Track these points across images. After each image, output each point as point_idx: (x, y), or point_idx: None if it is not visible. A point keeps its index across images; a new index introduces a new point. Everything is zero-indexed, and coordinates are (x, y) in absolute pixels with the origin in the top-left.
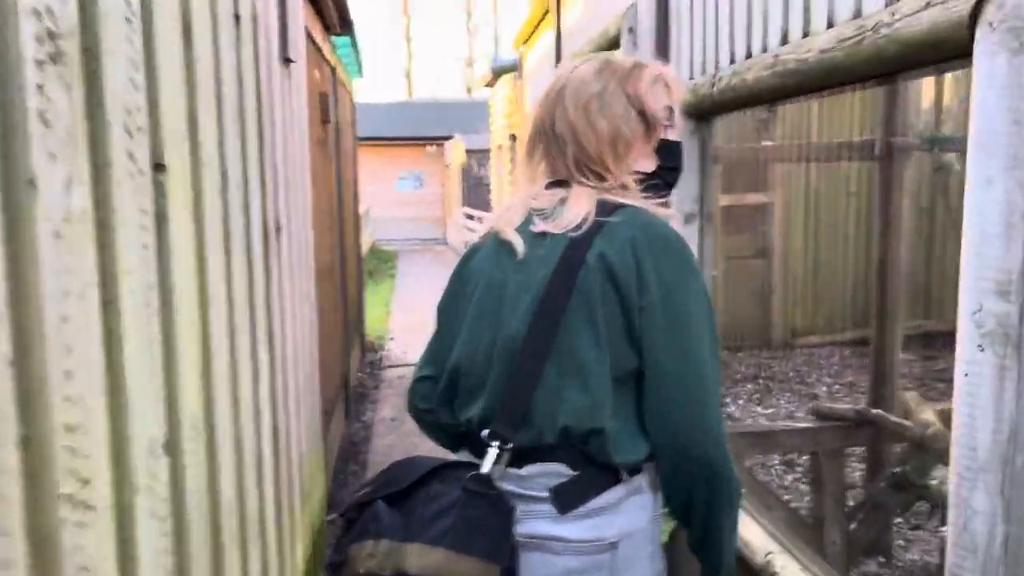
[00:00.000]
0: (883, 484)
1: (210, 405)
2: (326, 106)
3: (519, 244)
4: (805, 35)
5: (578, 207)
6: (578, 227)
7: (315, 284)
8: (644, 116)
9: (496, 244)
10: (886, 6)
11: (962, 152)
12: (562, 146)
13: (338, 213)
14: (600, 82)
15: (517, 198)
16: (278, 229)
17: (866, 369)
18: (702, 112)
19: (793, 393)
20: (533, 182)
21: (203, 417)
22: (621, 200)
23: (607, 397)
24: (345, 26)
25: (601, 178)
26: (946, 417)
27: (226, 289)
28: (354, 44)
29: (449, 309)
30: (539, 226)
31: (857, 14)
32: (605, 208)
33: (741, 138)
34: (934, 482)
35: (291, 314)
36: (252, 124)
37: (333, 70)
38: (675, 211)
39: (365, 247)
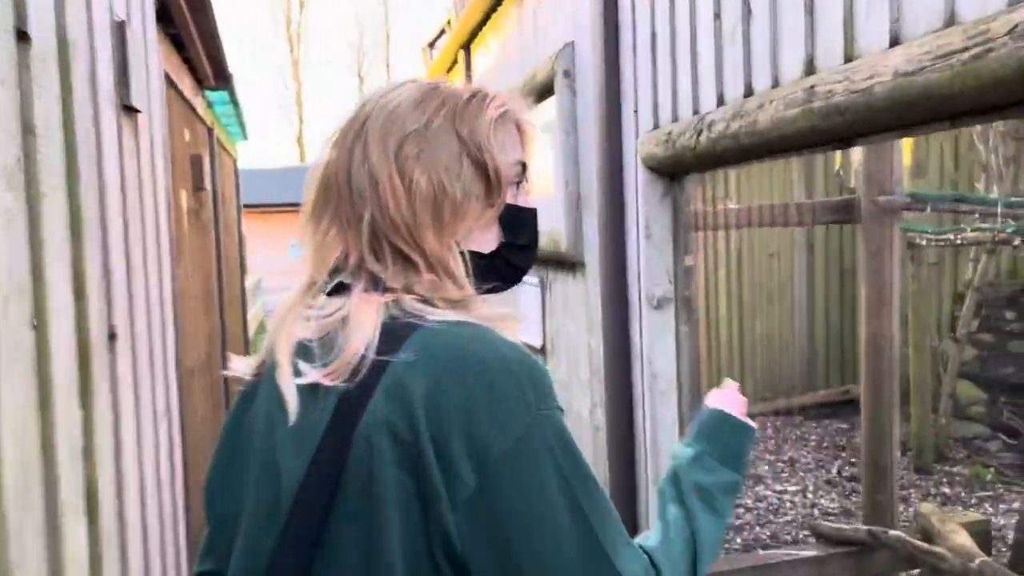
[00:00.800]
0: None
1: None
2: (200, 171)
3: (292, 402)
4: (848, 59)
5: (357, 337)
6: (354, 374)
7: (183, 386)
8: (485, 170)
9: (273, 390)
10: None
11: (956, 211)
12: (357, 208)
13: (217, 292)
14: (421, 115)
15: (295, 299)
16: (112, 336)
17: (802, 442)
18: (678, 169)
19: None
20: (321, 266)
21: None
22: (421, 313)
23: None
24: (222, 79)
25: (408, 262)
26: (977, 533)
27: None
28: (234, 101)
29: (220, 490)
30: (308, 375)
31: (951, 21)
32: (394, 333)
33: None
34: None
35: (135, 445)
36: (56, 194)
37: (210, 130)
38: (510, 311)
39: (254, 323)
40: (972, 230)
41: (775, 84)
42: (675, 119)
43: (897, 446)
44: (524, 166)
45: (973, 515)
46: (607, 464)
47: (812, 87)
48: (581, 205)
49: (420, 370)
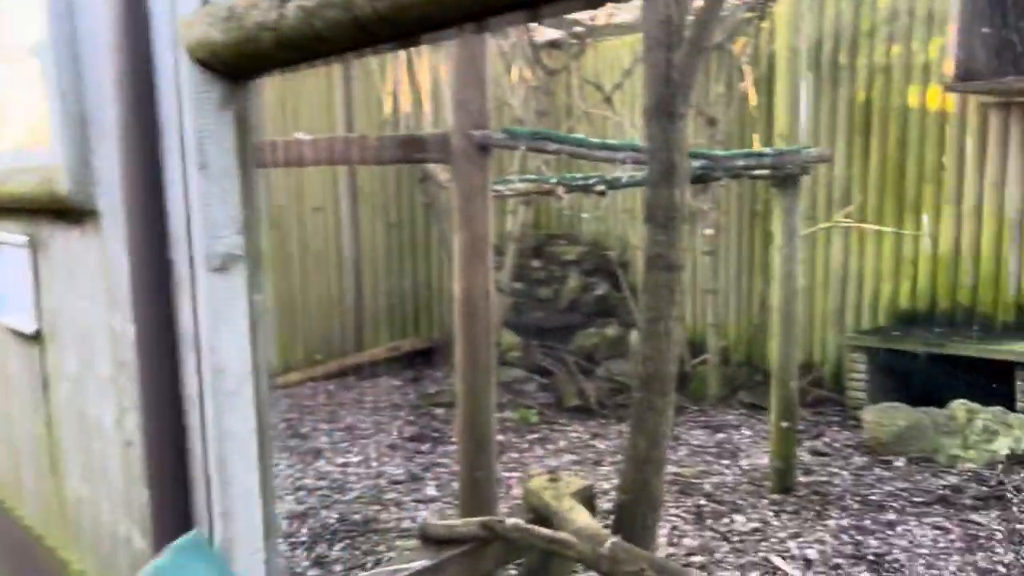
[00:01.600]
0: None
1: None
2: None
3: None
4: None
5: None
6: None
7: None
8: None
9: None
10: None
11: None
12: None
13: None
14: None
15: None
16: None
17: (358, 405)
18: (247, 63)
19: (291, 452)
20: None
21: None
22: None
23: None
24: None
25: None
26: (585, 500)
27: None
28: None
29: None
30: None
31: None
32: None
33: None
34: None
35: None
36: None
37: None
38: None
39: None
40: (520, 181)
41: None
42: None
43: (494, 414)
44: None
45: (574, 480)
46: (147, 494)
47: None
48: (88, 127)
49: None
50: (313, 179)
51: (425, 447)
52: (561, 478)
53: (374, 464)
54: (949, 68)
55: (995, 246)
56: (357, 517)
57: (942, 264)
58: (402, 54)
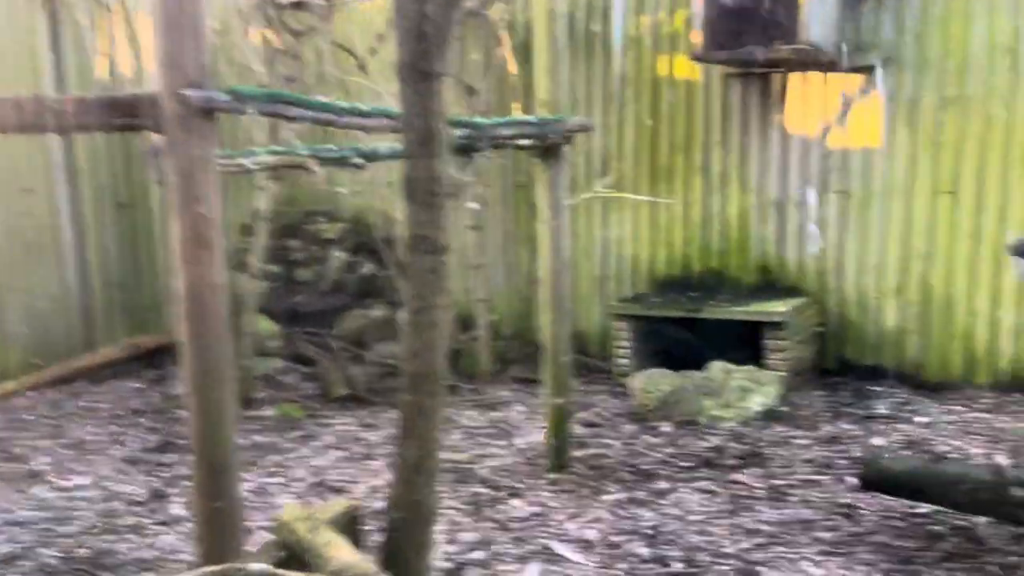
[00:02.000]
0: None
1: None
2: None
3: None
4: None
5: None
6: None
7: None
8: None
9: None
10: None
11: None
12: None
13: None
14: None
15: None
16: None
17: (91, 415)
18: None
19: (6, 481)
20: None
21: None
22: None
23: None
24: None
25: None
26: (346, 526)
27: None
28: None
29: None
30: None
31: None
32: None
33: None
34: None
35: None
36: None
37: None
38: None
39: None
40: (267, 153)
41: None
42: None
43: (236, 431)
44: None
45: (333, 503)
46: None
47: None
48: None
49: None
50: (17, 154)
51: (170, 458)
52: (321, 501)
53: (108, 484)
54: (696, 38)
55: (740, 212)
56: (85, 552)
57: (694, 231)
58: (117, 7)
